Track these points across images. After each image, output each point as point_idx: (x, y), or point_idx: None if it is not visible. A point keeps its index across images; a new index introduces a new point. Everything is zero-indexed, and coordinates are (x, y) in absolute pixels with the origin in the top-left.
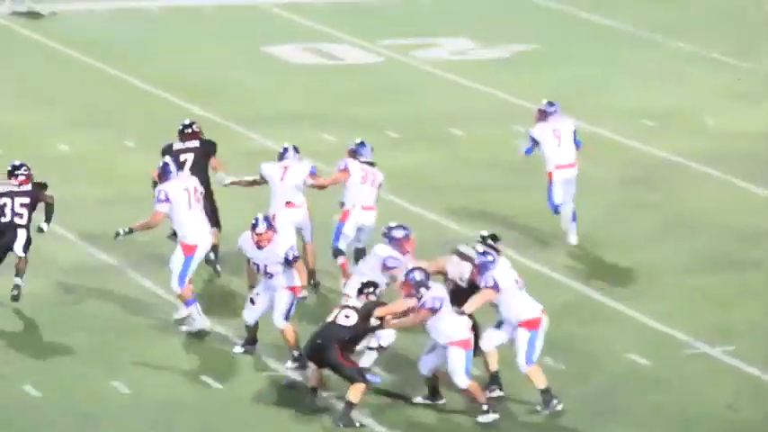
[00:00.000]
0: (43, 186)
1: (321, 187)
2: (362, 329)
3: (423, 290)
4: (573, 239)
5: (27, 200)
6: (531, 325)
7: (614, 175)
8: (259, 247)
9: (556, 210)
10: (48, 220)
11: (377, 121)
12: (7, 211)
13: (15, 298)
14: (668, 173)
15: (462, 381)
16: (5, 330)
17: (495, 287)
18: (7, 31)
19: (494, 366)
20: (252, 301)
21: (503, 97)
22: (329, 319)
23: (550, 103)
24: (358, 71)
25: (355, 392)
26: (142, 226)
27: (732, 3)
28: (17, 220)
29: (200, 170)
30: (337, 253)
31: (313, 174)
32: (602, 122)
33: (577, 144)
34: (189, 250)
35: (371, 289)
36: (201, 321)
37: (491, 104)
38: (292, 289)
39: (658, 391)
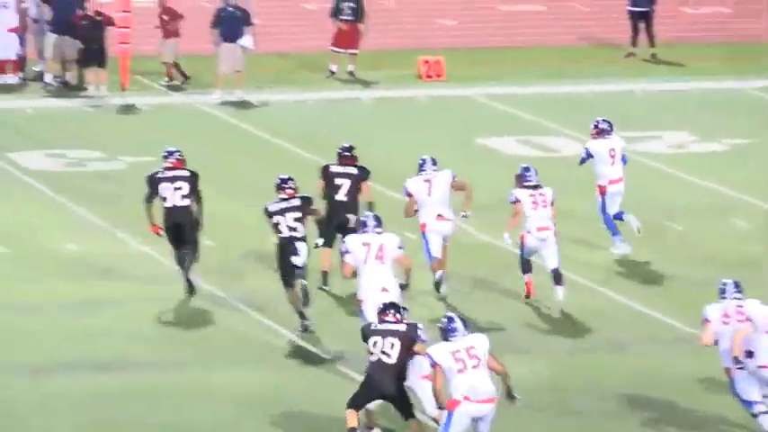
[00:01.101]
0: (310, 201)
1: (463, 188)
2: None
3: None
4: (626, 248)
5: (299, 214)
6: None
7: None
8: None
9: (610, 222)
10: (321, 235)
11: (593, 214)
12: (282, 228)
13: (307, 329)
14: None
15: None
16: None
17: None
18: (217, 120)
19: None
20: None
21: (723, 191)
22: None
23: (607, 122)
24: (573, 163)
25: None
26: (346, 273)
27: None
28: (294, 234)
29: (354, 196)
30: (525, 269)
31: (454, 178)
32: None
33: (624, 161)
34: (359, 303)
35: (392, 311)
36: None
37: (710, 198)
38: (428, 377)
39: None
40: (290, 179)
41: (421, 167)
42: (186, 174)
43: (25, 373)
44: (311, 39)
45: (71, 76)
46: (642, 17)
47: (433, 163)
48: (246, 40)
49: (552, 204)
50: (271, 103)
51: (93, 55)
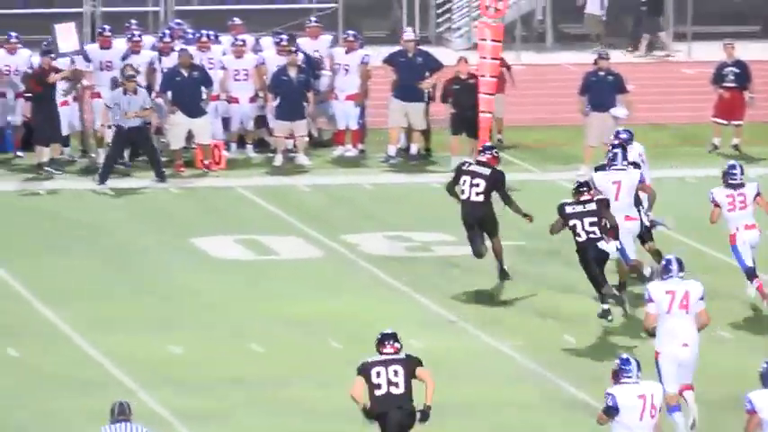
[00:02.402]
0: (606, 203)
1: (645, 191)
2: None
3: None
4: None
5: (594, 218)
6: None
7: None
8: None
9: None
10: (616, 237)
11: None
12: (579, 231)
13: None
14: None
15: None
16: None
17: None
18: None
19: None
20: None
21: None
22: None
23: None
24: None
25: None
26: (648, 325)
27: None
28: (592, 237)
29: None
30: (749, 275)
31: (642, 181)
32: None
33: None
34: (656, 355)
35: (391, 341)
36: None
37: None
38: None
39: None
40: (586, 183)
41: (612, 162)
42: (487, 172)
43: None
44: (691, 108)
45: (416, 148)
46: None
47: (624, 156)
48: (619, 110)
49: (759, 197)
50: None
51: (466, 123)
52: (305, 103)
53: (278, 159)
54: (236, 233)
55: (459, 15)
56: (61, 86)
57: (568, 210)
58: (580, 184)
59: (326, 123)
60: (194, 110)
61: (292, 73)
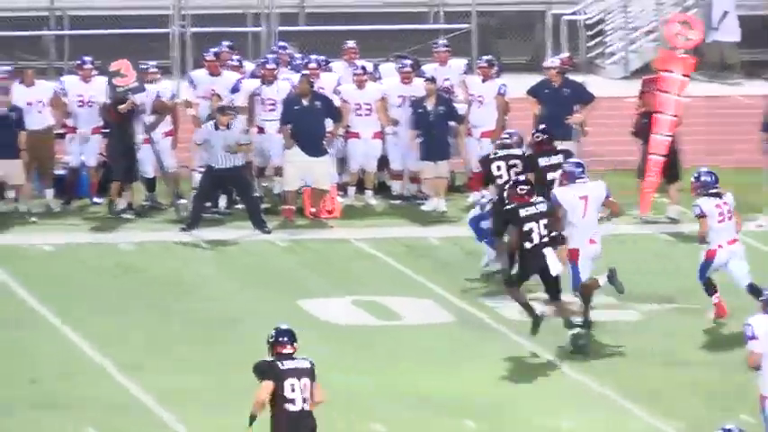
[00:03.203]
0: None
1: (615, 213)
2: None
3: None
4: None
5: (547, 220)
6: None
7: None
8: None
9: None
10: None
11: None
12: (534, 235)
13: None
14: None
15: None
16: None
17: None
18: (757, 253)
19: None
20: None
21: None
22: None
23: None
24: None
25: None
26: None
27: None
28: (545, 241)
29: None
30: (709, 289)
31: (608, 197)
32: None
33: None
34: (762, 400)
35: (289, 338)
36: None
37: None
38: None
39: None
40: (525, 180)
41: (572, 176)
42: (519, 152)
43: None
44: None
45: None
46: None
47: (582, 170)
48: None
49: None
50: None
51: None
52: (450, 139)
53: (431, 204)
54: (353, 294)
55: (614, 38)
56: (147, 119)
57: (522, 213)
58: (517, 180)
59: (459, 164)
60: (314, 147)
61: (430, 105)
